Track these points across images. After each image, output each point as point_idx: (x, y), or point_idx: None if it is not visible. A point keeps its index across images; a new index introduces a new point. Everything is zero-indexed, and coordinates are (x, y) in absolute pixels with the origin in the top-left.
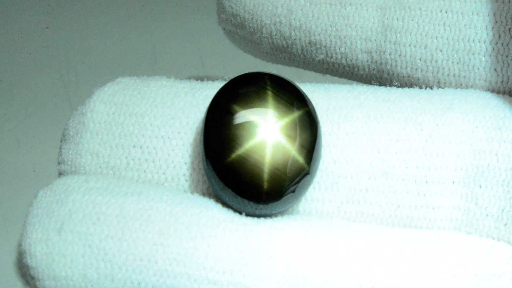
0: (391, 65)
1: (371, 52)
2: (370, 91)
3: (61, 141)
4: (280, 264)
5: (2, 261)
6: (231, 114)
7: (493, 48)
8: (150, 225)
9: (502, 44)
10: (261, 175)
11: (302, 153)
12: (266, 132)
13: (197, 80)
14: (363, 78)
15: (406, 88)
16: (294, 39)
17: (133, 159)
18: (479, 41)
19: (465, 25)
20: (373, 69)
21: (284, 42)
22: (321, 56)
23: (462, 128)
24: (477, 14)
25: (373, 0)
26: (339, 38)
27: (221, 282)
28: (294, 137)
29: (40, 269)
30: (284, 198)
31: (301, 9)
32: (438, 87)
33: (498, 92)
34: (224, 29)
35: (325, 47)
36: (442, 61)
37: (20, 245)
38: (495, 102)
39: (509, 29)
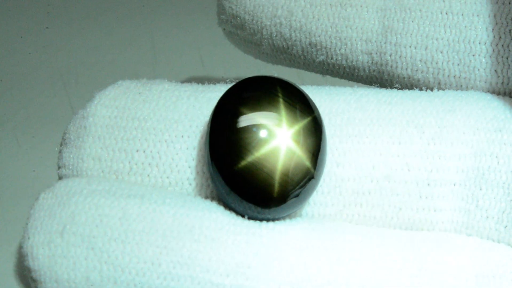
0: (391, 67)
1: (371, 54)
2: (372, 93)
3: (61, 145)
4: (283, 266)
5: (2, 261)
6: (238, 117)
7: (493, 50)
8: (153, 228)
9: (502, 45)
10: (271, 182)
11: (308, 158)
12: (277, 138)
13: (197, 81)
14: (364, 79)
15: (407, 90)
16: (295, 41)
17: (136, 164)
18: (479, 43)
19: (465, 27)
20: (374, 70)
21: (284, 43)
22: (322, 57)
23: (463, 130)
24: (478, 15)
25: (374, 1)
26: (340, 39)
27: (224, 285)
28: (302, 142)
29: (42, 271)
30: (288, 202)
31: (302, 11)
32: (439, 88)
33: (498, 94)
34: (224, 30)
35: (325, 48)
36: (442, 63)
37: (21, 247)
38: (495, 104)
39: (510, 30)
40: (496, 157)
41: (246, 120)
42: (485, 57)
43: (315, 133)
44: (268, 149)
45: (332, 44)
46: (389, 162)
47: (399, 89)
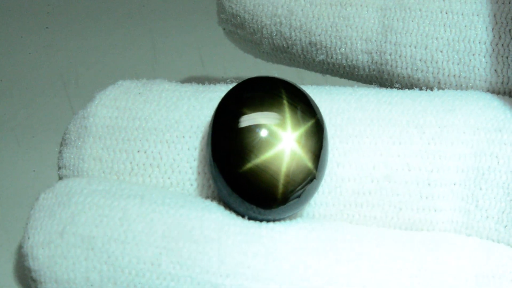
0: (391, 66)
1: (371, 53)
2: (372, 93)
3: (61, 145)
4: (283, 266)
5: (2, 261)
6: (240, 118)
7: (493, 49)
8: (153, 228)
9: (502, 45)
10: (275, 184)
11: (311, 159)
12: (280, 140)
13: (198, 81)
14: (364, 79)
15: (407, 90)
16: (295, 40)
17: (137, 164)
18: (479, 42)
19: (465, 26)
20: (374, 70)
21: (284, 42)
22: (322, 57)
23: (463, 130)
24: (477, 15)
25: (374, 1)
26: (340, 38)
27: (224, 285)
28: (304, 144)
29: (42, 272)
30: (289, 203)
31: (302, 10)
32: (439, 88)
33: (498, 93)
34: (224, 29)
35: (325, 47)
36: (442, 62)
37: (21, 247)
38: (495, 104)
39: (509, 30)
40: (496, 157)
41: (248, 121)
42: (485, 57)
43: (317, 135)
44: (271, 151)
45: (332, 43)
46: (390, 162)
47: (399, 88)
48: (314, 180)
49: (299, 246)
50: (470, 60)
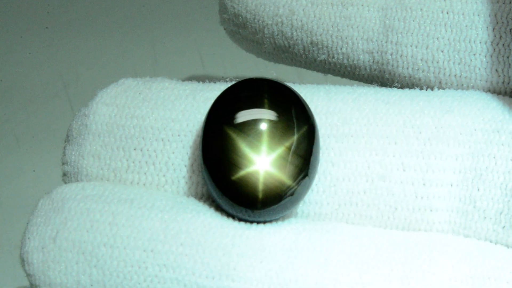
0: (392, 66)
1: (372, 53)
2: (370, 93)
3: (65, 142)
4: (271, 267)
5: (2, 261)
6: (227, 124)
7: (494, 49)
8: (141, 232)
9: (503, 45)
10: (255, 184)
11: (299, 159)
12: (262, 141)
13: (198, 80)
14: (365, 79)
15: (407, 89)
16: (296, 39)
17: (133, 162)
18: (480, 42)
19: (466, 26)
20: (375, 70)
21: (286, 42)
22: (323, 57)
23: (460, 131)
24: (478, 15)
25: (375, 0)
26: (341, 38)
27: (211, 287)
28: (291, 143)
29: (37, 276)
30: (282, 203)
31: (303, 10)
32: (439, 87)
33: (499, 93)
34: (226, 29)
35: (326, 47)
36: (443, 62)
37: (20, 253)
38: (494, 104)
39: (510, 30)
40: (494, 157)
41: (236, 126)
42: (485, 57)
43: (306, 133)
44: (260, 155)
45: (334, 43)
46: (385, 162)
47: (399, 88)
48: (307, 177)
49: (288, 247)
50: (471, 60)
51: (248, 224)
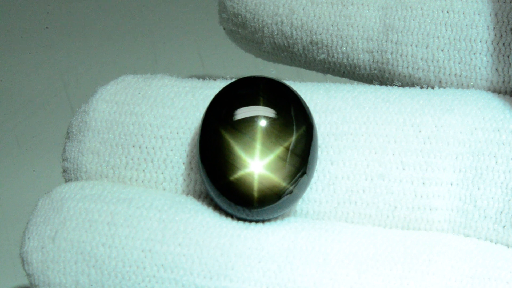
0: (392, 65)
1: (372, 52)
2: (370, 91)
3: (65, 139)
4: (269, 267)
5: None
6: (225, 123)
7: (494, 48)
8: (139, 232)
9: (503, 44)
10: (252, 183)
11: (297, 157)
12: (259, 140)
13: (198, 79)
14: (365, 78)
15: (407, 88)
16: (296, 39)
17: (132, 159)
18: (480, 41)
19: (466, 25)
20: (375, 69)
21: (285, 41)
22: (323, 56)
23: (460, 130)
24: (479, 14)
25: (375, 0)
26: (341, 37)
27: (208, 287)
28: (289, 142)
29: (36, 276)
30: (280, 202)
31: (303, 9)
32: (440, 87)
33: (499, 92)
34: (225, 28)
35: (326, 46)
36: (443, 61)
37: (19, 253)
38: (494, 104)
39: (511, 29)
40: (495, 156)
41: (234, 125)
42: (486, 56)
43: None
44: (257, 154)
45: (333, 42)
46: (384, 161)
47: (399, 86)
48: (305, 175)
49: (286, 247)
50: (471, 59)
51: (246, 224)
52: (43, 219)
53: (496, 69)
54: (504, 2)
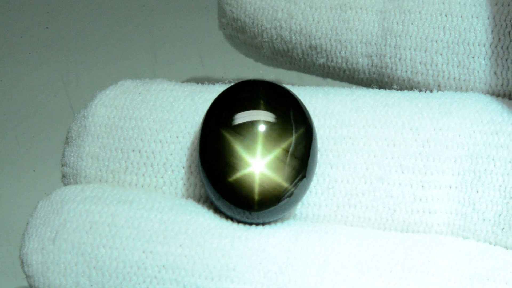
0: (391, 69)
1: (371, 56)
2: (369, 94)
3: (65, 144)
4: (270, 268)
5: (2, 261)
6: (225, 126)
7: (492, 51)
8: (140, 233)
9: (501, 47)
10: (252, 186)
11: (297, 160)
12: (259, 143)
13: (197, 81)
14: (364, 82)
15: (406, 91)
16: (295, 43)
17: (132, 163)
18: (478, 44)
19: (464, 29)
20: (374, 73)
21: (284, 46)
22: (322, 60)
23: (459, 133)
24: (477, 17)
25: (373, 4)
26: (340, 42)
27: None
28: (289, 145)
29: (36, 277)
30: (280, 205)
31: (302, 13)
32: (438, 90)
33: (498, 95)
34: (225, 33)
35: (325, 51)
36: (442, 65)
37: (19, 254)
38: (493, 107)
39: (509, 32)
40: (493, 159)
41: (233, 128)
42: (484, 59)
43: (303, 134)
44: (257, 156)
45: (332, 46)
46: (383, 164)
47: (398, 90)
48: (304, 178)
49: (287, 249)
50: (470, 62)
51: (247, 226)
52: (43, 221)
53: (495, 72)
54: (502, 6)
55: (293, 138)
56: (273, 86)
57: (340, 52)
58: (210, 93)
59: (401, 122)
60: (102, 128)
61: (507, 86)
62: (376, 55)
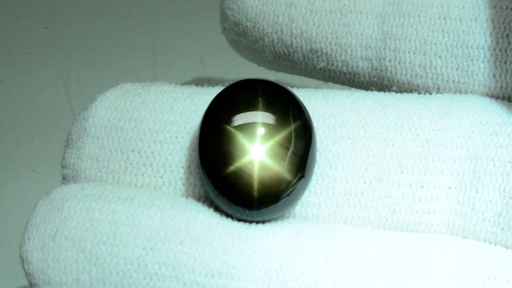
0: (391, 72)
1: (371, 59)
2: (368, 96)
3: (65, 146)
4: (270, 266)
5: (2, 261)
6: (224, 123)
7: (491, 54)
8: (141, 230)
9: (500, 50)
10: (252, 184)
11: (296, 158)
12: (258, 140)
13: (197, 81)
14: (364, 85)
15: (405, 93)
16: (296, 47)
17: (131, 163)
18: (477, 47)
19: (463, 32)
20: (374, 76)
21: (285, 50)
22: (322, 64)
23: (458, 134)
24: (475, 20)
25: (373, 7)
26: (340, 45)
27: (210, 285)
28: (288, 143)
29: (36, 274)
30: (278, 205)
31: (302, 18)
32: (438, 93)
33: (497, 98)
34: (227, 38)
35: (326, 54)
36: (441, 68)
37: (19, 252)
38: (492, 108)
39: (507, 35)
40: (492, 160)
41: (231, 125)
42: (483, 62)
43: (303, 133)
44: (254, 153)
45: (333, 50)
46: (382, 164)
47: (397, 92)
48: (303, 178)
49: (287, 246)
50: (469, 65)
51: (247, 224)
52: (43, 219)
53: (494, 75)
54: (501, 9)
55: (292, 136)
56: (272, 85)
57: (340, 56)
58: (209, 95)
59: (400, 123)
60: (102, 129)
61: (506, 88)
62: (376, 59)
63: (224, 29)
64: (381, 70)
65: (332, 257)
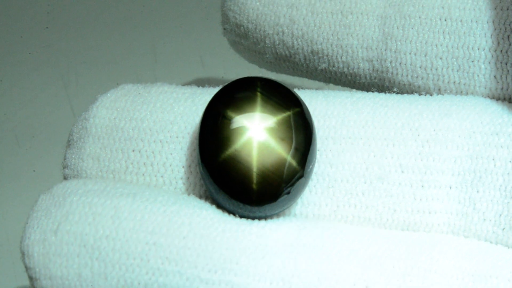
0: (392, 73)
1: (372, 61)
2: (369, 97)
3: (66, 147)
4: (273, 263)
5: (2, 261)
6: (224, 118)
7: (492, 55)
8: (144, 225)
9: (501, 51)
10: (250, 177)
11: (296, 154)
12: (255, 134)
13: (198, 82)
14: (365, 87)
15: (405, 94)
16: (297, 49)
17: (132, 163)
18: (478, 49)
19: (464, 33)
20: (375, 78)
21: (287, 51)
22: (324, 65)
23: (459, 133)
24: (476, 21)
25: (374, 9)
26: (341, 47)
27: (213, 281)
28: (287, 139)
29: (37, 269)
30: (279, 200)
31: (303, 19)
32: (439, 94)
33: (498, 99)
34: (228, 39)
35: (327, 56)
36: (442, 69)
37: (20, 246)
38: (493, 108)
39: (508, 36)
40: (493, 159)
41: (231, 121)
42: (484, 63)
43: (302, 130)
44: (244, 143)
45: (334, 51)
46: (383, 164)
47: (398, 93)
48: (302, 177)
49: (290, 243)
50: (470, 66)
51: (250, 220)
52: (45, 213)
53: (495, 76)
54: (501, 10)
55: (292, 133)
56: (272, 83)
57: (341, 57)
58: (210, 95)
59: (401, 123)
60: (103, 129)
61: (507, 90)
62: (377, 60)
63: (225, 30)
64: (382, 72)
65: (335, 254)
